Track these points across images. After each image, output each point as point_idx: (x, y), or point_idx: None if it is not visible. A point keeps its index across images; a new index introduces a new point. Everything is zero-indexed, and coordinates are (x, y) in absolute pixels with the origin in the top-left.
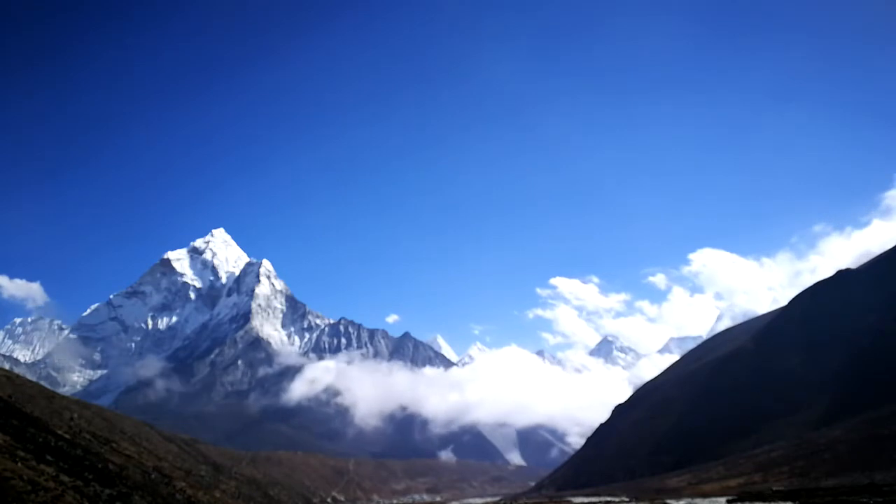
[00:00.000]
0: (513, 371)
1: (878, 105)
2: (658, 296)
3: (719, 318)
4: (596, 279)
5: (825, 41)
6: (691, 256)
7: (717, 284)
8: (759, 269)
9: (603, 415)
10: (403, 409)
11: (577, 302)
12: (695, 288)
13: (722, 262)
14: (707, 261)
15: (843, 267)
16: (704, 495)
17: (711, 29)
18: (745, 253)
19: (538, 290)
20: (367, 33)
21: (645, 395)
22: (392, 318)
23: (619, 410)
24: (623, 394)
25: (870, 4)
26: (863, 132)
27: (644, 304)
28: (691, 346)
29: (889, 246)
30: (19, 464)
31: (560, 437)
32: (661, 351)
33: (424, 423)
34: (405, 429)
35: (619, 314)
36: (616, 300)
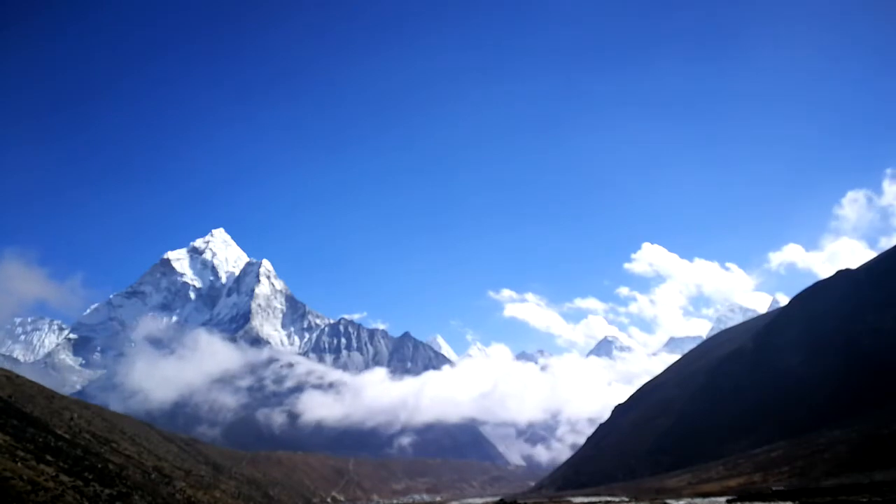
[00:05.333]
0: (509, 371)
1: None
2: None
3: (717, 321)
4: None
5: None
6: (634, 258)
7: (675, 279)
8: (719, 270)
9: (603, 414)
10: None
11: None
12: (646, 286)
13: (664, 258)
14: (652, 258)
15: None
16: (704, 495)
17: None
18: (683, 254)
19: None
20: (365, 38)
21: (645, 394)
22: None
23: (619, 410)
24: (623, 394)
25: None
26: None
27: (615, 306)
28: (690, 346)
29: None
30: (19, 464)
31: (560, 437)
32: (660, 351)
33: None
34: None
35: (584, 314)
36: (585, 304)
